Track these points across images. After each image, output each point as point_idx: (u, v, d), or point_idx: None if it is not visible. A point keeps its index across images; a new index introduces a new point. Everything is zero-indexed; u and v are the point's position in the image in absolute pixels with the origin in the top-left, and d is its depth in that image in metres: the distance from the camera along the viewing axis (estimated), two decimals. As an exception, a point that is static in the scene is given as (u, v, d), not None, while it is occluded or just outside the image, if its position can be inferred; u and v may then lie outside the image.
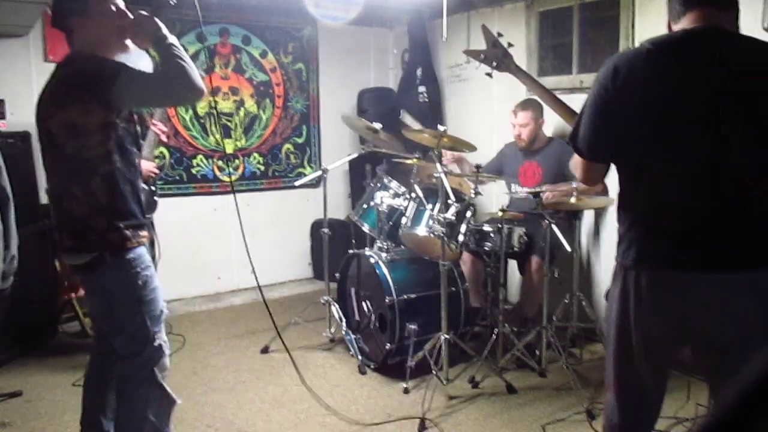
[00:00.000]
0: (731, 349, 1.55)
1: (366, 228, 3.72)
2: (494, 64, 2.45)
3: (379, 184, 3.67)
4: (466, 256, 3.68)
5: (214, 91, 4.82)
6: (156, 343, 2.09)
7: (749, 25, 1.85)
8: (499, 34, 2.47)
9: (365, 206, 3.72)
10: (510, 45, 2.48)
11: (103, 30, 1.99)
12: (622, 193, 1.72)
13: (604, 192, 3.67)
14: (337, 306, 3.76)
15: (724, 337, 1.58)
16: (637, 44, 3.64)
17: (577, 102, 4.23)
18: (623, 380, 1.75)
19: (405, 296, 3.32)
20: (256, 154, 5.07)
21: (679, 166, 1.58)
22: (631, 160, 1.66)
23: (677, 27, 1.66)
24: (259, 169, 5.10)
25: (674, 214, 1.60)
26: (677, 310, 1.61)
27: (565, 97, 4.29)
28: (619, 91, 1.60)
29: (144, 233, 2.06)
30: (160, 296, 2.10)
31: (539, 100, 2.29)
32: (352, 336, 3.62)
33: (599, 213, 3.89)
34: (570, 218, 3.66)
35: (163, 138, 3.57)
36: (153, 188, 3.50)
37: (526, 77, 2.40)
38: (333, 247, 3.97)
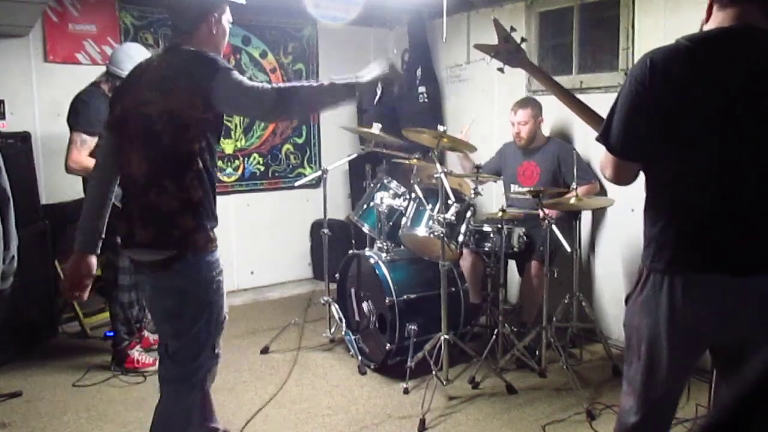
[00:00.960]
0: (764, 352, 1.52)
1: (366, 228, 3.72)
2: (506, 59, 2.40)
3: (379, 185, 3.67)
4: (466, 254, 3.68)
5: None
6: (215, 351, 2.03)
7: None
8: (512, 29, 2.42)
9: (365, 206, 3.72)
10: (523, 40, 2.44)
11: (221, 38, 2.04)
12: (654, 193, 1.67)
13: (603, 192, 3.67)
14: (337, 306, 3.76)
15: (761, 341, 1.54)
16: (638, 44, 3.65)
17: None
18: (649, 389, 1.69)
19: (405, 296, 3.32)
20: (255, 155, 5.07)
21: (717, 168, 1.55)
22: (666, 160, 1.61)
23: (717, 17, 1.61)
24: (258, 169, 5.10)
25: (712, 217, 1.56)
26: (714, 315, 1.57)
27: (564, 98, 4.25)
28: (657, 87, 1.55)
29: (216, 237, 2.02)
30: (225, 303, 2.04)
31: (555, 96, 2.23)
32: (352, 336, 3.62)
33: (598, 213, 3.89)
34: (570, 218, 3.66)
35: None
36: None
37: (540, 73, 2.35)
38: (333, 247, 3.97)
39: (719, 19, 1.61)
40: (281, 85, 1.88)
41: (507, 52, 2.37)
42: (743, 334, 1.58)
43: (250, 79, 1.94)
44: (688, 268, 1.59)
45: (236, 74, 1.86)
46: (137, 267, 2.09)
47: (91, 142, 3.17)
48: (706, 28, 1.65)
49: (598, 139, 1.71)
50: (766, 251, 1.55)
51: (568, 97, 2.18)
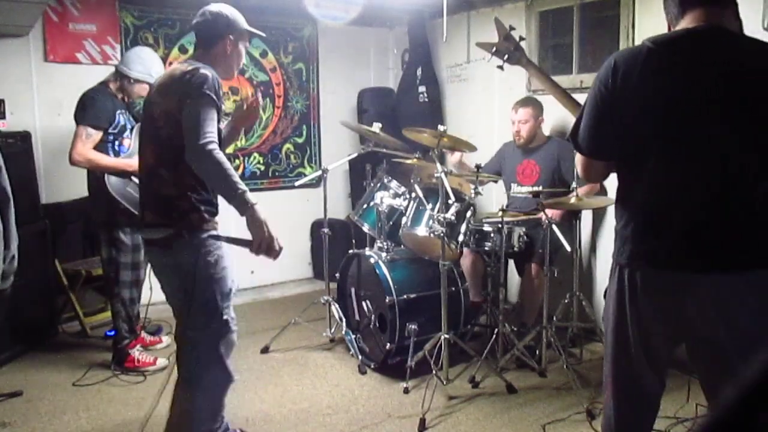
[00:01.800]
0: (727, 349, 1.55)
1: (366, 228, 3.72)
2: (506, 57, 2.44)
3: (379, 184, 3.67)
4: (466, 253, 3.68)
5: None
6: (224, 317, 2.25)
7: (749, 25, 1.84)
8: (512, 28, 2.45)
9: (365, 206, 3.72)
10: (522, 38, 2.48)
11: (234, 60, 2.42)
12: (620, 190, 1.72)
13: (603, 192, 3.67)
14: (337, 306, 3.76)
15: (720, 337, 1.57)
16: (635, 43, 3.65)
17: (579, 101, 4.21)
18: (620, 379, 1.74)
19: (405, 296, 3.32)
20: (256, 154, 5.07)
21: (678, 166, 1.58)
22: (630, 158, 1.66)
23: (678, 27, 1.65)
24: (259, 169, 5.10)
25: (672, 213, 1.60)
26: (673, 309, 1.61)
27: (564, 97, 4.26)
28: (618, 89, 1.59)
29: (217, 220, 2.27)
30: (230, 275, 2.27)
31: (551, 95, 2.26)
32: (352, 336, 3.62)
33: (599, 213, 3.89)
34: (570, 218, 3.66)
35: None
36: None
37: (538, 71, 2.38)
38: (333, 247, 3.97)
39: (685, 21, 1.64)
40: (215, 151, 2.07)
41: (507, 50, 2.41)
42: (704, 331, 1.60)
43: (221, 115, 2.20)
44: (649, 263, 1.63)
45: (205, 108, 2.10)
46: (148, 245, 2.41)
47: (96, 136, 3.26)
48: (677, 27, 1.67)
49: (568, 139, 1.76)
50: (729, 248, 1.56)
51: (565, 96, 2.21)
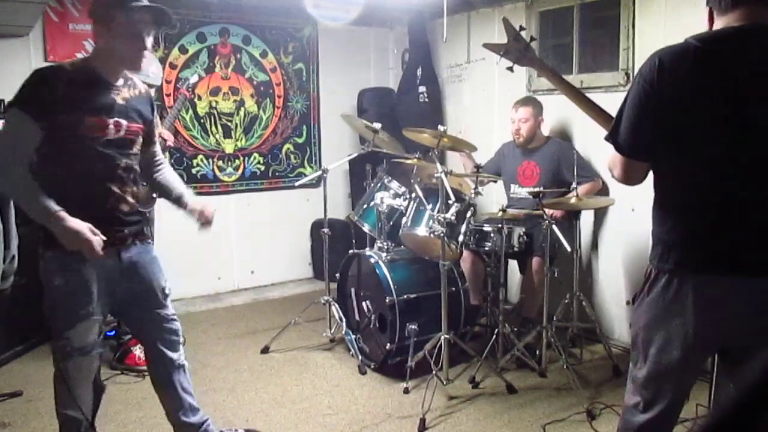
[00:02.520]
0: None
1: (366, 228, 3.72)
2: (515, 58, 2.38)
3: (379, 184, 3.67)
4: (466, 255, 3.68)
5: (214, 92, 4.82)
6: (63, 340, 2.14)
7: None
8: (522, 28, 2.40)
9: (365, 206, 3.72)
10: (532, 39, 2.42)
11: (117, 46, 2.03)
12: (663, 192, 1.66)
13: (604, 192, 3.67)
14: (337, 306, 3.76)
15: (760, 344, 1.53)
16: (638, 44, 3.65)
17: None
18: (656, 388, 1.68)
19: (405, 296, 3.32)
20: (256, 154, 5.07)
21: (726, 169, 1.54)
22: (676, 159, 1.60)
23: (722, 21, 1.60)
24: (259, 169, 5.10)
25: (722, 218, 1.55)
26: (723, 317, 1.56)
27: (564, 98, 4.26)
28: (664, 87, 1.54)
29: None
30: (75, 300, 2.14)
31: (564, 95, 2.20)
32: (352, 336, 3.62)
33: (599, 213, 3.89)
34: (570, 218, 3.66)
35: (170, 143, 3.66)
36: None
37: (549, 71, 2.33)
38: (333, 247, 3.97)
39: (725, 22, 1.59)
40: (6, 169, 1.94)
41: (516, 50, 2.35)
42: (753, 336, 1.57)
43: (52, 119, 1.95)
44: (697, 269, 1.57)
45: (7, 122, 1.95)
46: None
47: None
48: (717, 26, 1.63)
49: (606, 138, 1.69)
50: None
51: (578, 95, 2.15)
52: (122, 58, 2.04)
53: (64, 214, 1.91)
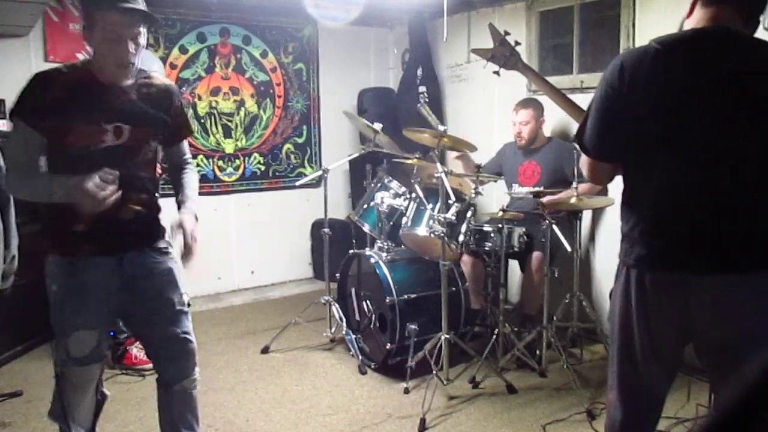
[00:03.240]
0: (733, 350, 1.55)
1: (366, 228, 3.72)
2: (502, 62, 2.45)
3: (379, 184, 3.67)
4: (465, 258, 3.68)
5: (215, 91, 4.82)
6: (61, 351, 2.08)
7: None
8: (506, 33, 2.47)
9: (366, 206, 3.72)
10: (517, 43, 2.49)
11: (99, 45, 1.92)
12: (626, 191, 1.71)
13: (604, 192, 3.67)
14: (338, 306, 3.76)
15: (726, 338, 1.57)
16: (638, 43, 3.65)
17: (578, 102, 4.24)
18: (626, 380, 1.74)
19: (405, 296, 3.32)
20: (256, 154, 5.07)
21: (685, 167, 1.58)
22: (637, 160, 1.65)
23: (696, 16, 1.64)
24: (259, 169, 5.10)
25: (678, 215, 1.59)
26: (679, 311, 1.60)
27: (565, 98, 4.24)
28: (626, 89, 1.59)
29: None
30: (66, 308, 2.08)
31: (548, 97, 2.28)
32: (352, 336, 3.62)
33: (599, 213, 3.89)
34: (570, 218, 3.65)
35: None
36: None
37: (534, 75, 2.40)
38: (333, 247, 3.97)
39: (697, 18, 1.63)
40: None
41: (502, 55, 2.43)
42: (708, 332, 1.60)
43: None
44: (657, 264, 1.62)
45: (11, 129, 1.95)
46: None
47: None
48: (686, 26, 1.67)
49: (573, 140, 1.75)
50: (735, 250, 1.56)
51: (563, 98, 2.22)
52: (108, 61, 1.91)
53: (82, 183, 1.78)
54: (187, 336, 2.13)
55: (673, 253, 1.60)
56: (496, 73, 2.50)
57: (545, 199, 3.31)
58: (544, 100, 3.85)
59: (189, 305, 2.18)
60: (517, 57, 2.44)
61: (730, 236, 1.56)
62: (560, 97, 2.26)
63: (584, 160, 1.75)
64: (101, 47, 1.90)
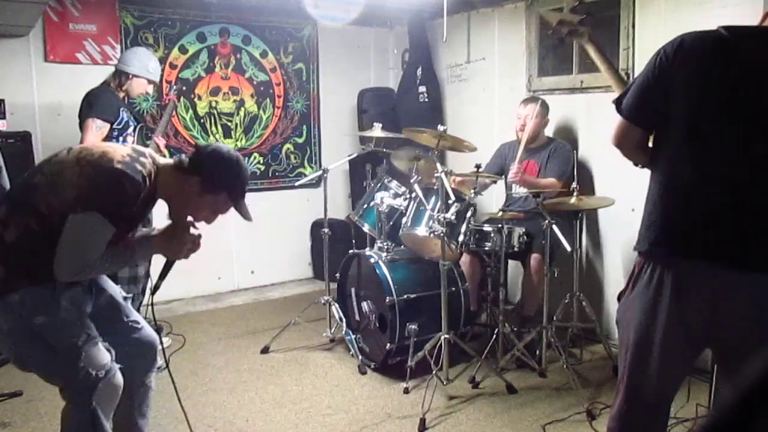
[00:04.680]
0: (752, 350, 1.50)
1: (366, 228, 3.72)
2: (567, 31, 2.37)
3: (379, 184, 3.66)
4: (465, 259, 3.67)
5: (214, 92, 4.82)
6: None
7: (751, 23, 1.84)
8: (581, 1, 2.42)
9: (365, 206, 3.72)
10: (589, 13, 2.46)
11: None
12: (654, 174, 1.69)
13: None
14: (337, 306, 3.76)
15: (746, 337, 1.54)
16: (638, 44, 3.65)
17: (577, 102, 4.22)
18: (639, 378, 1.69)
19: (405, 296, 3.32)
20: (256, 154, 5.07)
21: (718, 158, 1.56)
22: (669, 138, 1.64)
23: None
24: (259, 169, 5.10)
25: (715, 207, 1.57)
26: (708, 309, 1.56)
27: (565, 98, 4.27)
28: (678, 63, 1.59)
29: None
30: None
31: (607, 76, 2.24)
32: (352, 336, 3.62)
33: (599, 213, 3.89)
34: (570, 218, 3.65)
35: (162, 147, 3.73)
36: None
37: (597, 51, 2.34)
38: (333, 247, 3.97)
39: None
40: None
41: (570, 24, 2.38)
42: (738, 331, 1.57)
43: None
44: (684, 256, 1.59)
45: (86, 218, 1.90)
46: None
47: (105, 129, 3.40)
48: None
49: (614, 101, 1.74)
50: (764, 248, 1.54)
51: (620, 80, 2.21)
52: (186, 213, 2.16)
53: (153, 238, 2.12)
54: (138, 324, 2.27)
55: (709, 245, 1.57)
56: (560, 40, 2.43)
57: (513, 172, 3.29)
58: (549, 99, 3.84)
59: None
60: (587, 28, 2.38)
61: (762, 235, 1.53)
62: (618, 78, 2.25)
63: (615, 122, 1.73)
64: (201, 210, 2.19)
